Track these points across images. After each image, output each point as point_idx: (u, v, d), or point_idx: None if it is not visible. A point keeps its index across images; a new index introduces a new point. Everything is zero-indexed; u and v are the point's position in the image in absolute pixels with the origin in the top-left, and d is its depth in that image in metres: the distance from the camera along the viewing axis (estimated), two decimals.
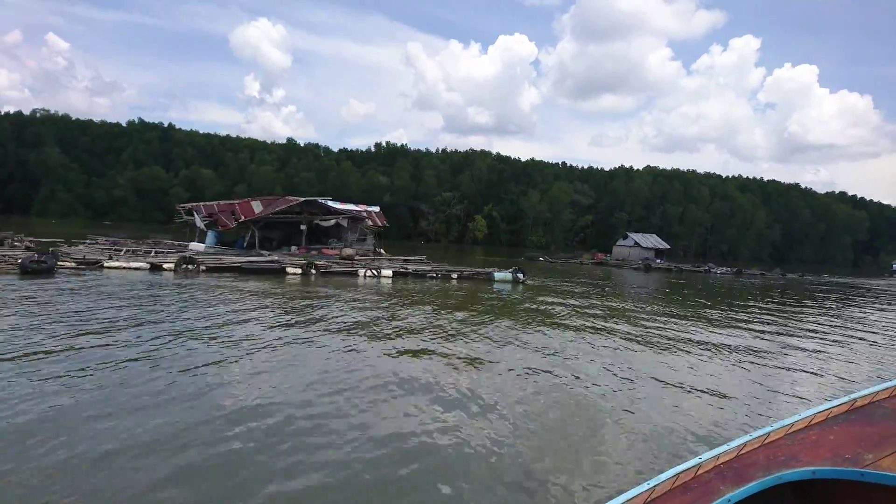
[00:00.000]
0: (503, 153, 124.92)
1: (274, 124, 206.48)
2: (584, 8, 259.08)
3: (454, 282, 22.70)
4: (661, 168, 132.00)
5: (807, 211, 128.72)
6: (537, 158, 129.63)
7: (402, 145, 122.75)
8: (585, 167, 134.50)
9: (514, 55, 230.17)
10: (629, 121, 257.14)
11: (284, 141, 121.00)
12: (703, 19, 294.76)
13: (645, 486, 1.45)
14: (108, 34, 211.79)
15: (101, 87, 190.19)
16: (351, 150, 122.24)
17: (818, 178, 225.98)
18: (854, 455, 1.55)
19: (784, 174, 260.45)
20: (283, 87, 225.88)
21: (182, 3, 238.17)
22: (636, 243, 55.85)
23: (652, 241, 57.85)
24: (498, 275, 23.89)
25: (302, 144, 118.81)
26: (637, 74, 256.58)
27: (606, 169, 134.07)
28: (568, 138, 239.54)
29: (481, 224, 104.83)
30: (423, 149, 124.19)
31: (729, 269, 48.92)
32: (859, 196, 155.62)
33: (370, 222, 31.50)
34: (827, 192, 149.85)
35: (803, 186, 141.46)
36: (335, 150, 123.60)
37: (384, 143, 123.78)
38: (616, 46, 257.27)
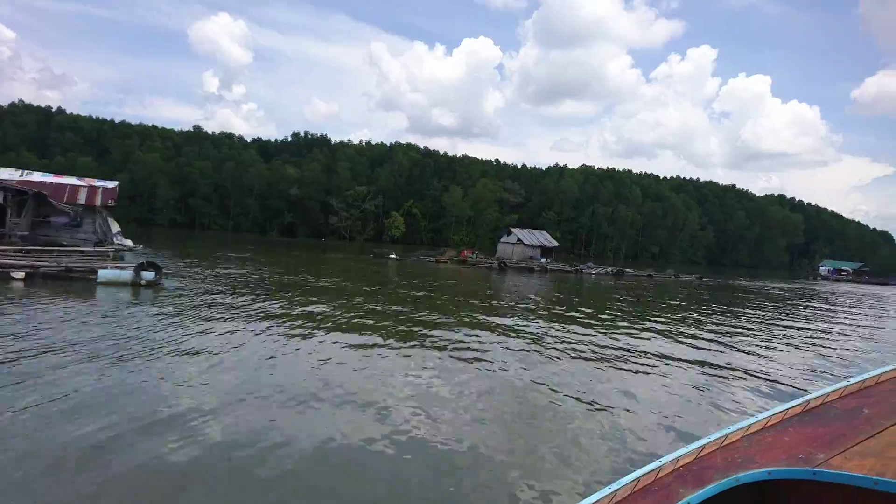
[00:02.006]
0: (432, 147, 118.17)
1: (233, 122, 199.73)
2: (547, 14, 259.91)
3: (17, 283, 14.09)
4: (596, 168, 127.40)
5: (741, 213, 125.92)
6: (470, 155, 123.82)
7: (322, 135, 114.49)
8: (519, 165, 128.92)
9: (479, 58, 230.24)
10: (590, 127, 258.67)
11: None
12: (663, 29, 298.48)
13: (607, 490, 1.47)
14: (60, 25, 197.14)
15: (51, 80, 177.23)
16: (264, 140, 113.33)
17: (770, 184, 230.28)
18: (807, 455, 1.60)
19: (738, 181, 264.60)
20: (243, 84, 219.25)
21: None
22: (519, 240, 49.44)
23: (538, 237, 51.48)
24: (107, 273, 15.13)
25: (211, 132, 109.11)
26: (598, 81, 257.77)
27: (543, 167, 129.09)
28: (531, 143, 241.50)
29: (398, 221, 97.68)
30: (345, 139, 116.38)
31: (611, 268, 43.04)
32: (797, 199, 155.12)
33: (84, 201, 23.58)
34: (765, 195, 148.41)
35: (738, 188, 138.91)
36: (249, 139, 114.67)
37: (303, 133, 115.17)
38: (578, 53, 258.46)
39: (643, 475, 1.56)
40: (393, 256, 40.89)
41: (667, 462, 1.62)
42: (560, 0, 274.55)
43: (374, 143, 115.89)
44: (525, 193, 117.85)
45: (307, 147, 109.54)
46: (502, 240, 51.71)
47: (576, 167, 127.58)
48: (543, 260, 47.69)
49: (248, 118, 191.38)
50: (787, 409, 1.96)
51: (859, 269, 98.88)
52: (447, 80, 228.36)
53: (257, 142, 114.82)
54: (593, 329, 14.05)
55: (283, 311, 13.58)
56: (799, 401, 2.03)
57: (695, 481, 1.53)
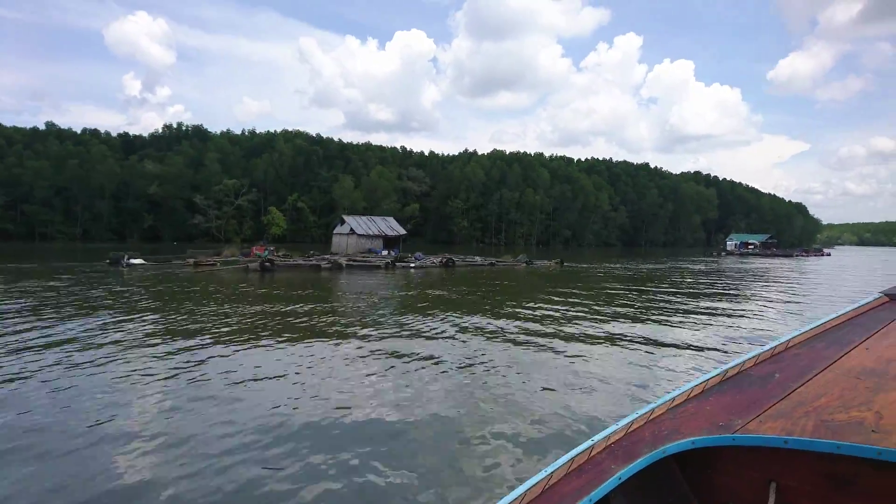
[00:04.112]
0: (325, 135, 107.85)
1: (158, 125, 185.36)
2: (477, 5, 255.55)
3: None
4: (507, 152, 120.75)
5: (654, 191, 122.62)
6: (365, 141, 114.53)
7: (197, 126, 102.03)
8: (427, 153, 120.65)
9: (413, 52, 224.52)
10: (526, 118, 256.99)
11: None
12: (590, 17, 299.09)
13: (543, 474, 1.49)
14: None
15: None
16: (123, 135, 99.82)
17: (697, 165, 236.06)
18: (727, 422, 1.68)
19: (668, 164, 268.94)
20: (167, 86, 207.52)
21: None
22: (352, 230, 40.90)
23: (378, 226, 43.03)
24: None
25: (43, 128, 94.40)
26: (531, 71, 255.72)
27: (454, 154, 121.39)
28: (470, 135, 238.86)
29: (278, 218, 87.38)
30: (221, 130, 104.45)
31: (439, 258, 34.86)
32: (713, 175, 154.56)
33: None
34: (682, 172, 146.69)
35: (652, 166, 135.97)
36: (115, 134, 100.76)
37: (174, 125, 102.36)
38: (509, 44, 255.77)
39: (577, 455, 1.58)
40: (137, 262, 30.08)
41: (599, 440, 1.66)
42: None
43: (258, 132, 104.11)
44: (430, 182, 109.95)
45: (177, 140, 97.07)
46: (336, 231, 43.02)
47: (488, 152, 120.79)
48: (384, 253, 39.37)
49: (174, 121, 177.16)
50: (708, 380, 2.02)
51: (766, 241, 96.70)
52: (382, 75, 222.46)
53: (123, 137, 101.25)
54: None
55: None
56: (718, 370, 2.08)
57: (625, 456, 1.58)
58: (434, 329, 11.91)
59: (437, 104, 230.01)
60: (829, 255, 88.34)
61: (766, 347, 2.31)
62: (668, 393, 1.98)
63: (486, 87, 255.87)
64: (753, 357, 2.21)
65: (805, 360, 2.16)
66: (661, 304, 17.19)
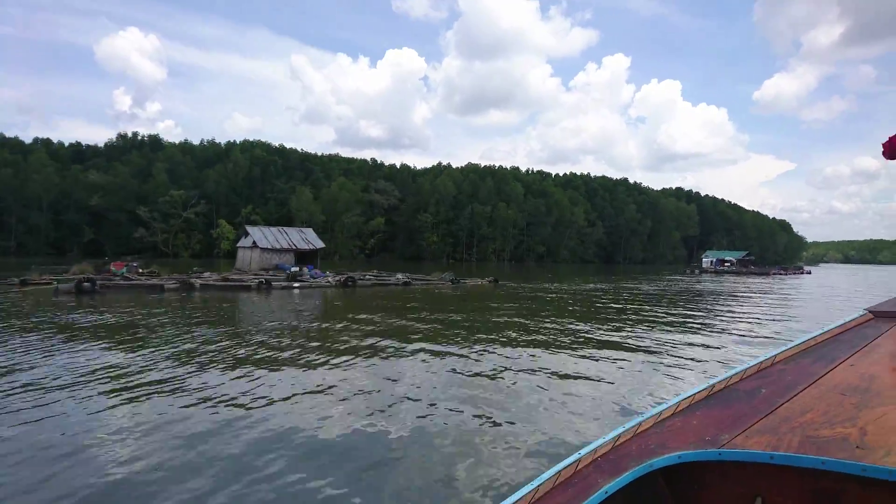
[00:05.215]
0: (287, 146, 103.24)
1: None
2: (468, 25, 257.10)
3: None
4: (482, 166, 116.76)
5: (633, 206, 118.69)
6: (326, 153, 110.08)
7: (153, 135, 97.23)
8: (399, 165, 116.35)
9: (404, 69, 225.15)
10: (516, 136, 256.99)
11: None
12: (579, 37, 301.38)
13: (529, 487, 1.47)
14: None
15: None
16: (74, 144, 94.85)
17: (685, 184, 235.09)
18: (713, 437, 1.66)
19: (656, 183, 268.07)
20: (158, 101, 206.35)
21: (39, 11, 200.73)
22: (254, 243, 35.90)
23: (288, 238, 37.75)
24: None
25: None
26: (521, 90, 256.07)
27: (426, 167, 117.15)
28: (460, 153, 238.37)
29: (228, 231, 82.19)
30: (180, 140, 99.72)
31: (339, 277, 29.64)
32: (694, 191, 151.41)
33: None
34: (663, 188, 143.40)
35: (632, 181, 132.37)
36: (67, 144, 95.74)
37: (129, 134, 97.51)
38: (499, 63, 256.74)
39: (563, 468, 1.56)
40: None
41: (586, 453, 1.65)
42: (479, 11, 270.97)
43: (217, 141, 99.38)
44: (400, 195, 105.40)
45: (128, 149, 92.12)
46: (239, 244, 37.98)
47: (462, 165, 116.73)
48: (292, 270, 34.27)
49: (164, 136, 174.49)
50: (695, 395, 2.02)
51: (743, 258, 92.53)
52: (373, 92, 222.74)
53: (74, 146, 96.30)
54: None
55: None
56: (705, 385, 2.08)
57: (612, 470, 1.57)
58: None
59: (428, 122, 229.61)
60: (809, 273, 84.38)
61: (753, 363, 2.32)
62: (655, 407, 1.95)
63: (476, 106, 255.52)
64: (740, 372, 2.22)
65: (791, 376, 2.17)
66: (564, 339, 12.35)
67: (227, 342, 11.57)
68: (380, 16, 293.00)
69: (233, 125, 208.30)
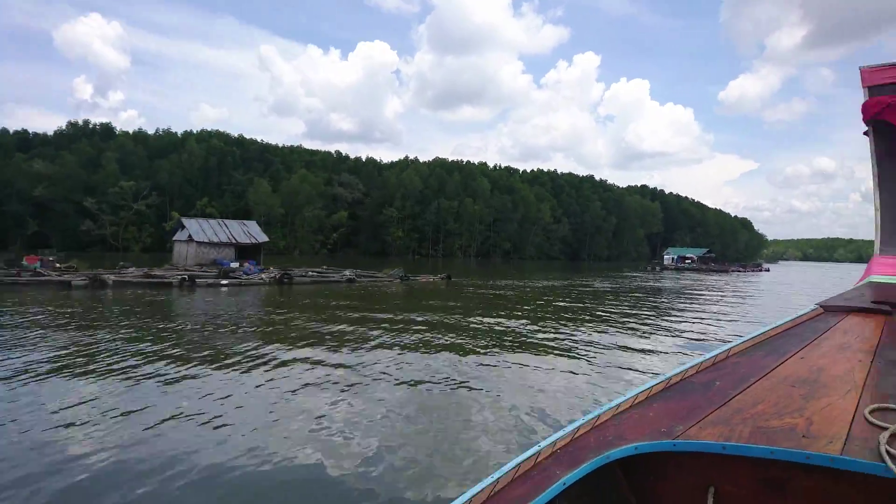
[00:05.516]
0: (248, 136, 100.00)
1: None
2: (440, 19, 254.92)
3: None
4: (450, 160, 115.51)
5: (598, 203, 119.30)
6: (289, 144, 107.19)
7: (105, 123, 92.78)
8: (364, 158, 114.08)
9: (375, 62, 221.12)
10: (488, 132, 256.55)
11: None
12: (550, 35, 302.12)
13: (489, 480, 1.48)
14: None
15: None
16: (20, 132, 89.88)
17: (652, 182, 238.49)
18: (668, 428, 1.69)
19: (623, 181, 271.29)
20: (121, 90, 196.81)
21: None
22: (190, 237, 33.95)
23: (228, 232, 35.92)
24: None
25: None
26: (492, 86, 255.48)
27: (392, 161, 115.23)
28: (433, 148, 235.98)
29: None
30: (134, 129, 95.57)
31: (274, 273, 28.00)
32: (659, 189, 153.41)
33: None
34: (628, 186, 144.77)
35: (597, 178, 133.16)
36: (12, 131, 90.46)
37: (80, 122, 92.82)
38: (472, 59, 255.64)
39: (523, 461, 1.58)
40: None
41: (545, 446, 1.66)
42: (451, 5, 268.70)
43: (173, 131, 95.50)
44: (364, 188, 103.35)
45: (77, 137, 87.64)
46: (175, 237, 35.89)
47: (430, 160, 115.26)
48: (234, 265, 32.41)
49: (127, 126, 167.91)
50: (652, 387, 2.04)
51: (704, 255, 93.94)
52: (344, 85, 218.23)
53: (20, 134, 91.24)
54: None
55: None
56: (662, 378, 2.11)
57: (570, 461, 1.58)
58: None
59: (400, 116, 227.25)
60: (767, 270, 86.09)
61: (708, 356, 2.35)
62: (613, 399, 1.98)
63: (448, 101, 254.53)
64: (696, 365, 2.25)
65: (744, 369, 2.21)
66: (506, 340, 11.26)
67: (75, 349, 10.06)
68: (351, 7, 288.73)
69: (199, 116, 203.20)
